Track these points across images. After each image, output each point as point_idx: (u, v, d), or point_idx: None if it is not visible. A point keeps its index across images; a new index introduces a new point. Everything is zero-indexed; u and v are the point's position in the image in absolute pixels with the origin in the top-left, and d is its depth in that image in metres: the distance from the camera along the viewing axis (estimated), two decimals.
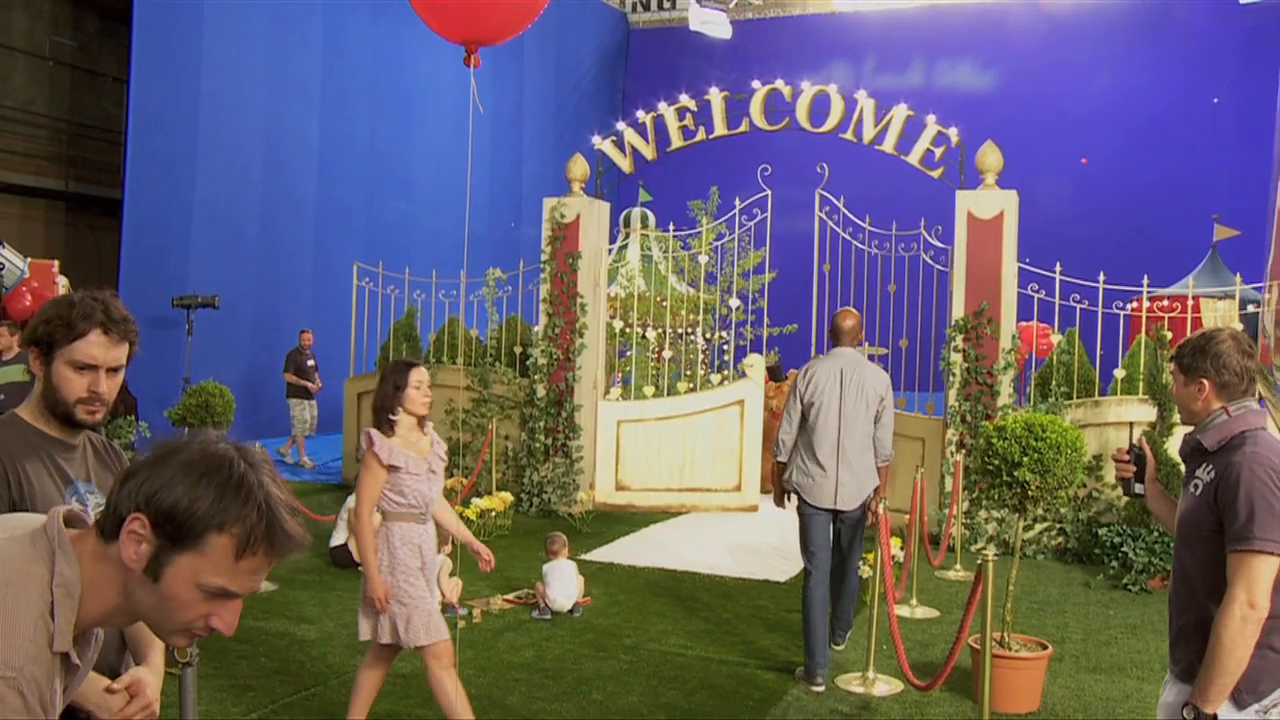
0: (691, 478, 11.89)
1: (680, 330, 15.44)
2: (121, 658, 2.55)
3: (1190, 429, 3.22)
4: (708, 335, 16.18)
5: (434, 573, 4.90)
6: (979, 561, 4.80)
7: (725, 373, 13.96)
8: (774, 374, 13.68)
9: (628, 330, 13.28)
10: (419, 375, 4.71)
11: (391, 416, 4.66)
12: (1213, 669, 2.89)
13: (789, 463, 6.53)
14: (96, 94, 20.12)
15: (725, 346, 16.38)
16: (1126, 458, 3.50)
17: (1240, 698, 2.91)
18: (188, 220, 15.71)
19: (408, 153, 19.34)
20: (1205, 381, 3.13)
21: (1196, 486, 3.09)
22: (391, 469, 4.62)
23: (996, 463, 5.86)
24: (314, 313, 16.69)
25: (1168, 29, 21.89)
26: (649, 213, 15.22)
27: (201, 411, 8.28)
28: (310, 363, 14.50)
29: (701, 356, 15.65)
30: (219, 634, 1.61)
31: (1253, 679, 2.90)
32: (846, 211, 11.52)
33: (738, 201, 12.44)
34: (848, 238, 11.49)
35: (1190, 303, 10.63)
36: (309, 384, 14.39)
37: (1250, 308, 11.55)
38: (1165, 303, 11.27)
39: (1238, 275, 10.48)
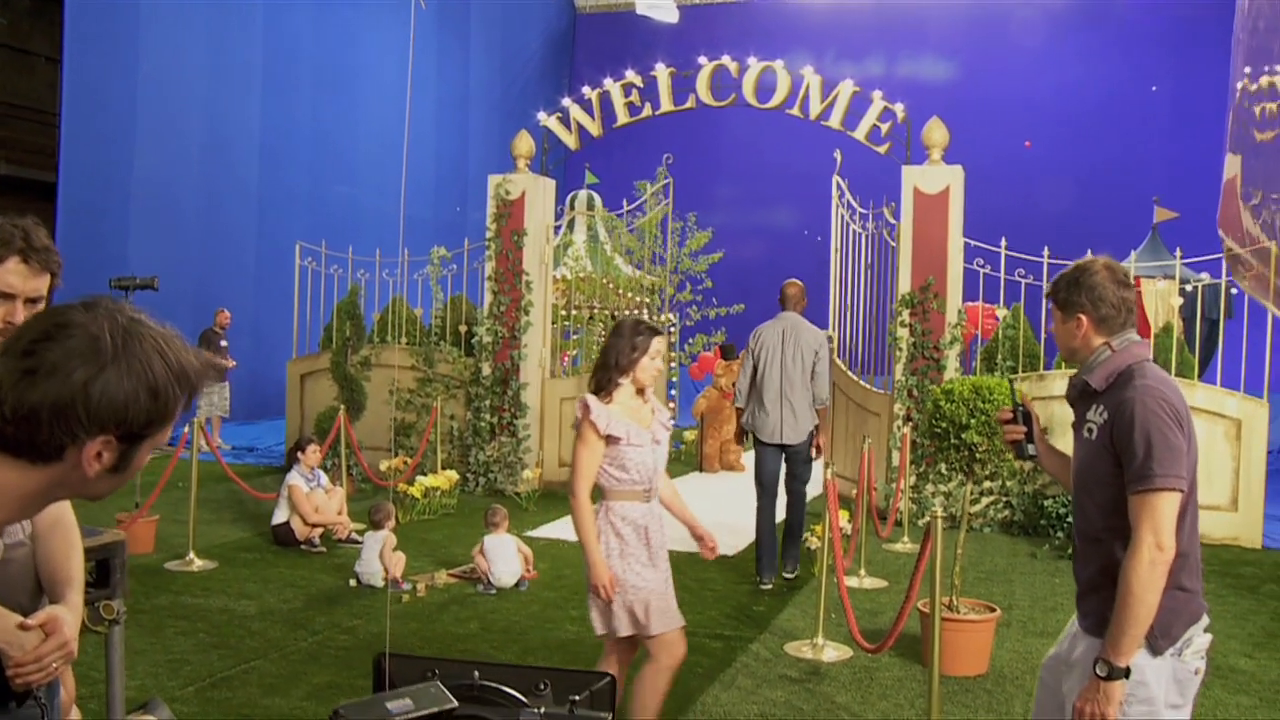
0: None
1: (626, 312, 15.36)
2: (36, 601, 2.43)
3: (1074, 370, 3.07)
4: (654, 317, 16.14)
5: (664, 558, 4.34)
6: (927, 519, 4.77)
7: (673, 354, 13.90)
8: (725, 353, 13.65)
9: (575, 312, 13.20)
10: (660, 345, 4.25)
11: (619, 380, 4.19)
12: (1124, 618, 2.75)
13: (745, 407, 7.92)
14: (28, 74, 19.62)
15: (671, 328, 16.35)
16: (1010, 416, 3.23)
17: (1155, 644, 2.79)
18: (125, 202, 15.37)
19: (351, 136, 19.09)
20: (1083, 316, 2.96)
21: (1090, 430, 2.93)
22: (610, 440, 4.13)
23: (944, 425, 5.85)
24: (257, 295, 16.43)
25: (1110, 19, 22.24)
26: (595, 195, 15.14)
27: None
28: (224, 343, 14.15)
29: None
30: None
31: (1165, 623, 2.79)
32: (852, 199, 11.50)
33: (648, 185, 12.50)
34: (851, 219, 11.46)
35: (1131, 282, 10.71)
36: (226, 362, 14.06)
37: (1188, 287, 11.71)
38: None
39: (1178, 252, 10.56)
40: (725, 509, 10.34)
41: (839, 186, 11.36)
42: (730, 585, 7.69)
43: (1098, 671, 2.77)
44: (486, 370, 11.49)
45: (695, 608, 7.14)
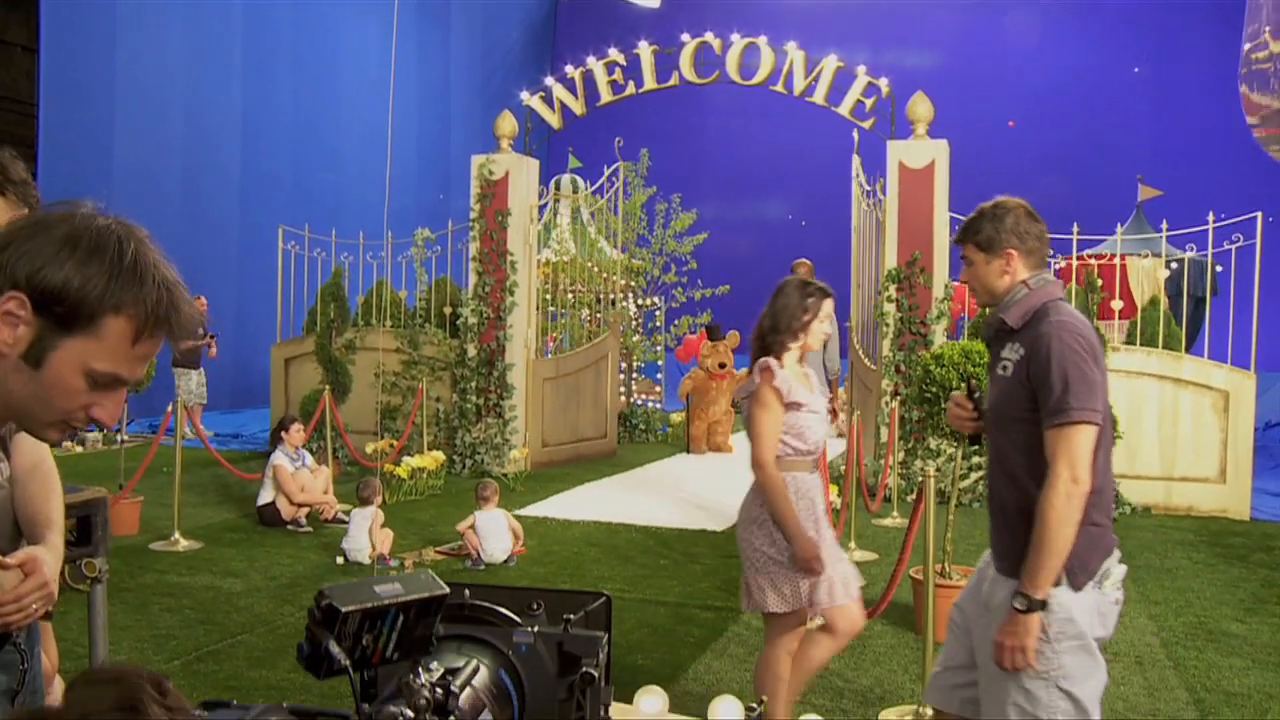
0: (580, 430, 12.46)
1: (611, 296, 15.32)
2: (15, 545, 2.36)
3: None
4: (639, 302, 16.11)
5: (828, 529, 4.08)
6: (919, 479, 4.74)
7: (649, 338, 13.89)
8: (711, 334, 13.59)
9: (563, 296, 13.17)
10: (831, 308, 4.04)
11: (790, 344, 3.97)
12: (1041, 551, 2.75)
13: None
14: (5, 64, 19.40)
15: (656, 311, 16.32)
16: (970, 406, 3.15)
17: (1075, 579, 2.79)
18: (107, 190, 15.22)
19: (333, 124, 18.99)
20: (1012, 252, 2.96)
21: (1005, 367, 2.92)
22: (791, 406, 3.91)
23: (935, 390, 5.81)
24: (240, 283, 16.32)
25: (1093, 2, 22.35)
26: (579, 179, 15.07)
27: None
28: (201, 332, 14.01)
29: (634, 323, 15.56)
30: (100, 425, 1.45)
31: (1082, 557, 2.78)
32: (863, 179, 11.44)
33: (606, 168, 12.56)
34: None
35: (1118, 260, 10.76)
36: (208, 342, 13.97)
37: (1174, 265, 11.73)
38: (1093, 263, 11.41)
39: (1164, 224, 10.56)
40: (714, 488, 10.33)
41: (858, 166, 11.30)
42: (720, 560, 7.66)
43: (1016, 605, 2.76)
44: (472, 352, 11.43)
45: (686, 580, 7.10)
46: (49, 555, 2.19)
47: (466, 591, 1.66)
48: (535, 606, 1.70)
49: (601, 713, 1.72)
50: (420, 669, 1.15)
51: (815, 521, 3.96)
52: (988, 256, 3.00)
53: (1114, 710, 4.80)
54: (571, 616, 1.68)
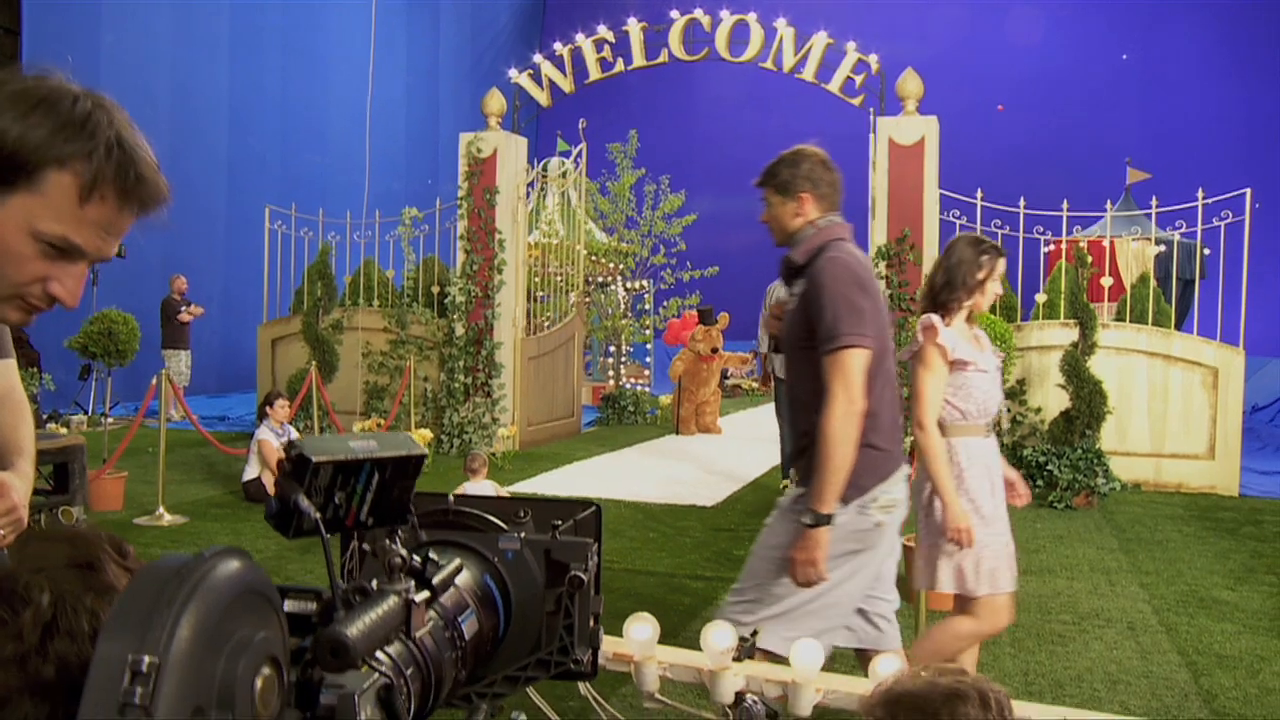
0: (555, 411, 12.56)
1: (601, 279, 15.27)
2: None
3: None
4: (627, 286, 16.06)
5: (1004, 504, 3.83)
6: (910, 441, 4.69)
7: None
8: (704, 318, 13.54)
9: (552, 278, 13.12)
10: (1004, 267, 3.84)
11: (965, 301, 3.74)
12: (823, 469, 2.93)
13: (768, 352, 8.84)
14: None
15: (645, 295, 16.27)
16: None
17: (844, 493, 2.97)
18: None
19: (321, 104, 18.86)
20: (805, 195, 3.15)
21: (794, 301, 3.15)
22: (957, 364, 3.70)
23: None
24: (227, 263, 16.21)
25: None
26: (566, 162, 15.00)
27: (104, 339, 7.90)
28: (184, 310, 13.94)
29: (622, 306, 15.52)
30: (62, 304, 1.37)
31: (854, 474, 2.96)
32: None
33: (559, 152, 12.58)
34: None
35: (1107, 243, 10.74)
36: (193, 310, 13.88)
37: (1162, 247, 11.74)
38: (1083, 243, 11.39)
39: (1153, 201, 10.52)
40: (704, 466, 10.31)
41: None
42: (709, 533, 7.61)
43: (805, 521, 2.95)
44: (460, 330, 11.35)
45: (675, 552, 7.06)
46: (19, 481, 2.13)
47: (451, 497, 1.61)
48: (522, 514, 1.64)
49: (591, 622, 1.67)
50: (397, 538, 1.09)
51: (990, 490, 3.74)
52: (783, 199, 3.19)
53: (1108, 673, 4.77)
54: (560, 523, 1.63)
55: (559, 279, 13.33)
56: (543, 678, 1.62)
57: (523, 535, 1.57)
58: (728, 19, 11.07)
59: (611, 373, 15.72)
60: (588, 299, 13.79)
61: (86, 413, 12.93)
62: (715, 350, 13.24)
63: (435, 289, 11.69)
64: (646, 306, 16.45)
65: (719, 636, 2.33)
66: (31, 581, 0.95)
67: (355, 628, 0.93)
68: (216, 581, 0.82)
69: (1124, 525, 8.04)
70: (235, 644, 0.81)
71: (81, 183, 1.28)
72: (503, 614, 1.56)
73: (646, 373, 16.85)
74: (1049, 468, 8.90)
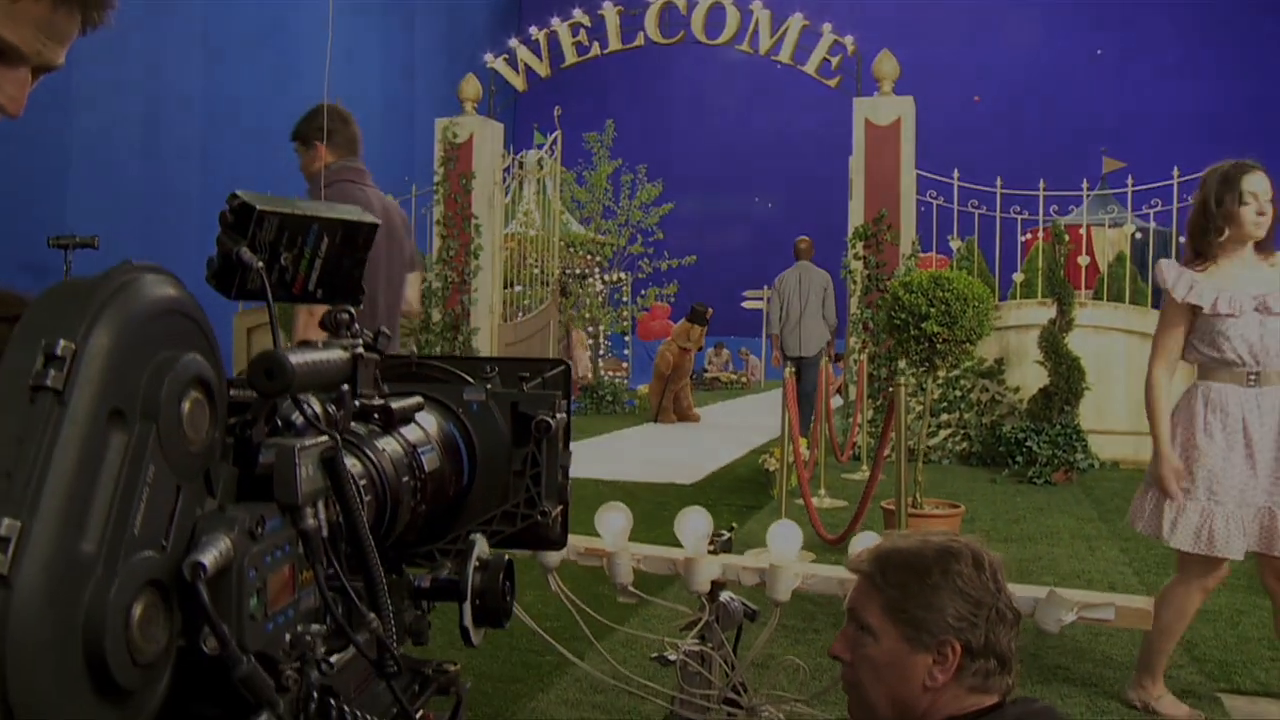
0: None
1: (579, 270, 15.21)
2: None
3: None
4: (605, 279, 16.00)
5: (1270, 463, 3.40)
6: (890, 389, 4.66)
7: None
8: (695, 316, 13.33)
9: (530, 270, 13.05)
10: (1268, 186, 3.42)
11: (1217, 238, 3.42)
12: None
13: (777, 333, 10.58)
14: None
15: (622, 287, 16.21)
16: None
17: None
18: (65, 161, 14.96)
19: (297, 92, 18.66)
20: (318, 143, 4.12)
21: None
22: (1192, 310, 3.43)
23: (904, 316, 5.72)
24: (202, 251, 15.97)
25: None
26: (541, 152, 14.94)
27: None
28: None
29: (600, 297, 15.45)
30: (4, 116, 1.29)
31: None
32: None
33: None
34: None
35: (1084, 230, 10.76)
36: None
37: (1138, 236, 11.78)
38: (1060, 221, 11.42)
39: (1129, 180, 10.55)
40: (684, 449, 10.31)
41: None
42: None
43: None
44: (436, 316, 11.27)
45: (654, 527, 6.98)
46: None
47: (413, 348, 1.55)
48: (489, 369, 1.58)
49: (560, 476, 1.61)
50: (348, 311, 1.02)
51: (1247, 449, 3.38)
52: (306, 148, 4.17)
53: (1089, 629, 4.73)
54: (528, 377, 1.57)
55: (537, 270, 13.26)
56: (509, 531, 1.57)
57: (489, 387, 1.51)
58: (703, 2, 11.04)
59: (589, 365, 15.65)
60: (563, 297, 13.73)
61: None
62: (685, 350, 13.27)
63: None
64: (624, 298, 16.39)
65: (695, 522, 2.28)
66: None
67: (295, 355, 0.86)
68: (141, 292, 0.74)
69: (1103, 498, 8.03)
70: (161, 360, 0.74)
71: None
72: (467, 465, 1.50)
73: (625, 365, 16.79)
74: (1028, 444, 8.88)
